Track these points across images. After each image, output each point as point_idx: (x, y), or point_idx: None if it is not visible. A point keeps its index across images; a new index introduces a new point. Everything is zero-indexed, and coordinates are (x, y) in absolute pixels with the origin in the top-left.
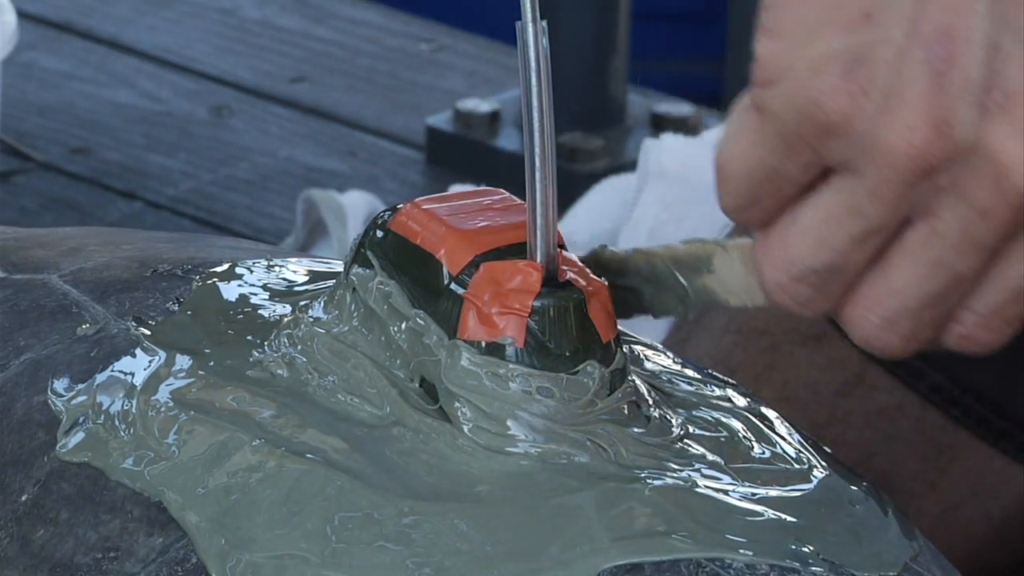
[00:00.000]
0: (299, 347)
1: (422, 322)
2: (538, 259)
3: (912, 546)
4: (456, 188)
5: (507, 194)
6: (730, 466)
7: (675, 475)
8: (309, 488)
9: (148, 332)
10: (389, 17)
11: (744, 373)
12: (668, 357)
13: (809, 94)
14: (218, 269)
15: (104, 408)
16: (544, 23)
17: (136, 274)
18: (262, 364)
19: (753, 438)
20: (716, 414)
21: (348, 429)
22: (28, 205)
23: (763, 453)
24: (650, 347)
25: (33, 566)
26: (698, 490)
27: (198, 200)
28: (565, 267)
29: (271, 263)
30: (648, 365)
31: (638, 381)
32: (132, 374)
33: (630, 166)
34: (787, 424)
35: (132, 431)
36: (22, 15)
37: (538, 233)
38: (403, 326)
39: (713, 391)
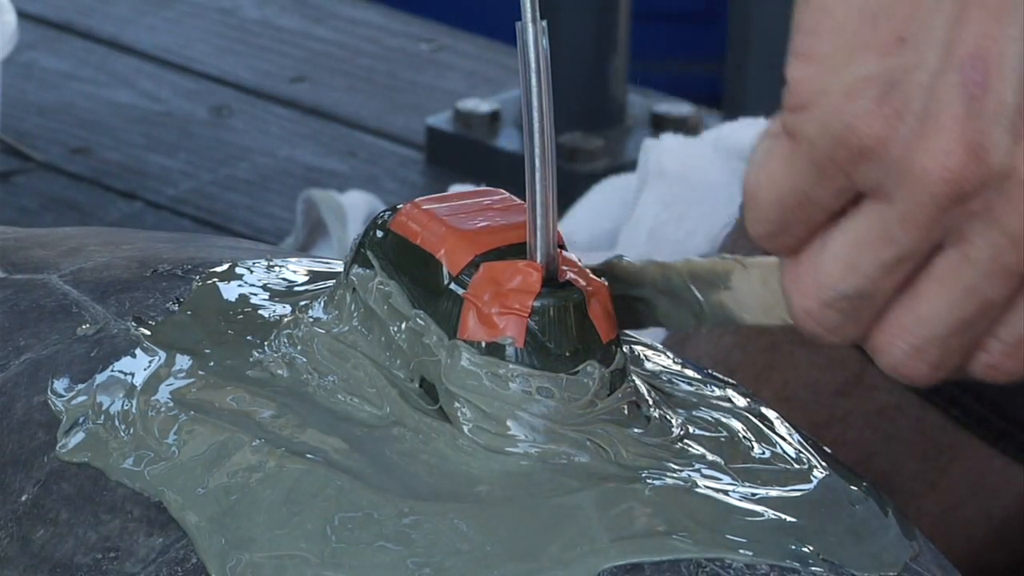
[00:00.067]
0: (299, 347)
1: (422, 322)
2: (538, 259)
3: (912, 546)
4: (456, 188)
5: (507, 194)
6: (730, 466)
7: (675, 475)
8: (309, 488)
9: (148, 332)
10: (389, 17)
11: (744, 373)
12: (668, 357)
13: (844, 118)
14: (218, 269)
15: (104, 408)
16: (544, 23)
17: (136, 274)
18: (262, 364)
19: (753, 438)
20: (716, 414)
21: (348, 429)
22: (28, 205)
23: (763, 453)
24: (650, 347)
25: (33, 566)
26: (698, 490)
27: (198, 200)
28: (565, 267)
29: (271, 263)
30: (648, 365)
31: (638, 381)
32: (132, 374)
33: (630, 166)
34: (787, 424)
35: (132, 431)
36: (22, 15)
37: (538, 233)
38: (403, 326)
39: (713, 391)
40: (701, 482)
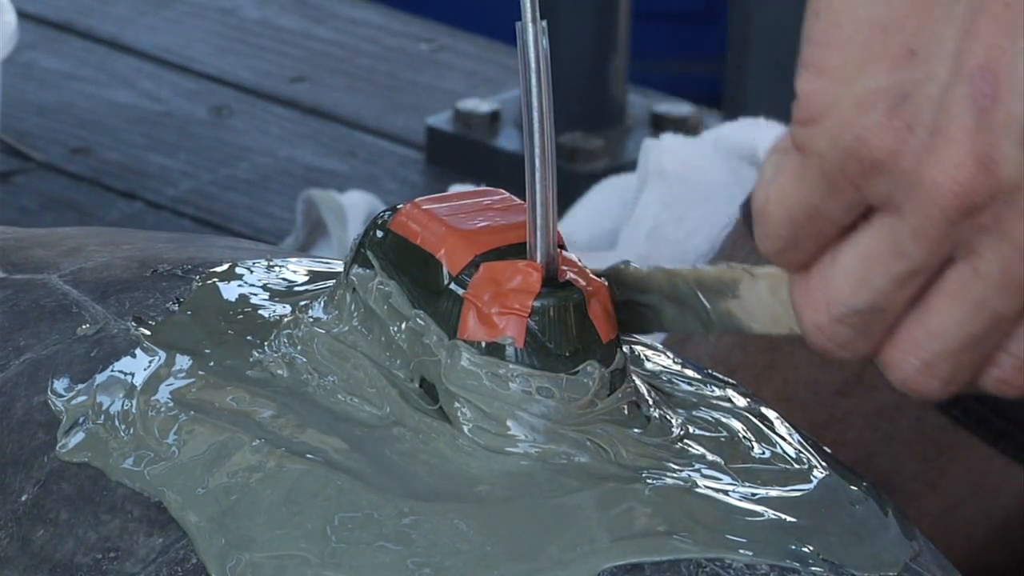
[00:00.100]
0: (299, 347)
1: (422, 322)
2: (538, 259)
3: (912, 546)
4: (456, 188)
5: (507, 194)
6: (730, 466)
7: (675, 475)
8: (309, 488)
9: (148, 332)
10: (389, 17)
11: (744, 373)
12: (668, 357)
13: (854, 131)
14: (218, 269)
15: (104, 408)
16: (544, 23)
17: (136, 274)
18: (262, 364)
19: (753, 438)
20: (716, 414)
21: (348, 429)
22: (28, 205)
23: (763, 453)
24: (650, 347)
25: (33, 566)
26: (698, 490)
27: (198, 200)
28: (565, 267)
29: (271, 263)
30: (648, 365)
31: (638, 381)
32: (132, 374)
33: (630, 166)
34: (787, 424)
35: (132, 431)
36: (22, 15)
37: (538, 233)
38: (403, 326)
39: (713, 391)
40: (701, 482)
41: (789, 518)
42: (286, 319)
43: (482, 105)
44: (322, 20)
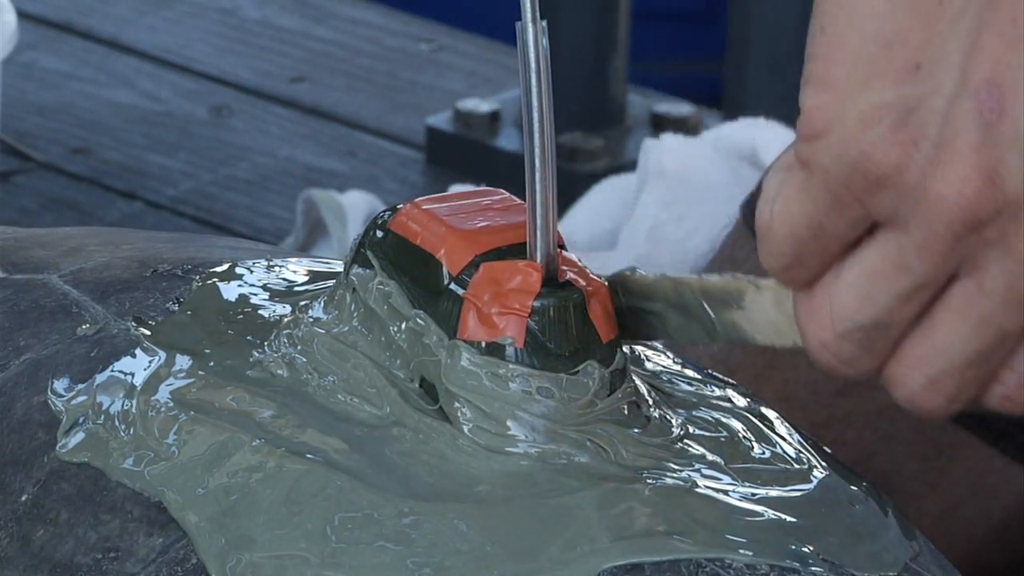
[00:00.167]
0: (299, 347)
1: (422, 322)
2: (538, 259)
3: (912, 546)
4: (456, 188)
5: (507, 194)
6: (730, 466)
7: (675, 475)
8: (309, 488)
9: (148, 332)
10: (389, 17)
11: (744, 373)
12: (668, 357)
13: (860, 146)
14: (218, 269)
15: (104, 408)
16: (544, 23)
17: (136, 274)
18: (262, 364)
19: (753, 438)
20: (716, 414)
21: (348, 429)
22: (28, 205)
23: (763, 453)
24: (650, 347)
25: (33, 566)
26: (698, 490)
27: (198, 200)
28: (565, 267)
29: (271, 263)
30: (648, 365)
31: (638, 381)
32: (132, 374)
33: (630, 166)
34: (787, 424)
35: (132, 431)
36: (22, 15)
37: (538, 233)
38: (403, 326)
39: (713, 391)
40: (701, 482)
41: (789, 518)
42: (286, 319)
43: (482, 105)
44: (322, 20)
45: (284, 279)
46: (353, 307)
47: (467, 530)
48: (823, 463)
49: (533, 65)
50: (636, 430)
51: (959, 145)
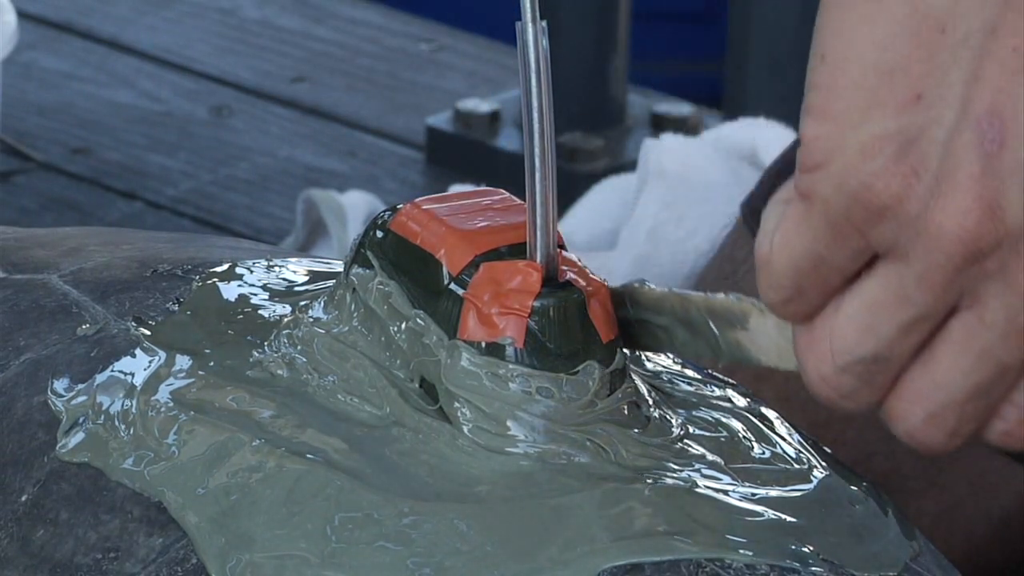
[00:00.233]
0: (299, 347)
1: (422, 322)
2: (538, 259)
3: (912, 546)
4: (456, 188)
5: (507, 194)
6: (730, 466)
7: (675, 475)
8: (309, 488)
9: (148, 332)
10: (389, 17)
11: (744, 373)
12: (668, 357)
13: (860, 177)
14: (218, 269)
15: (104, 408)
16: (544, 23)
17: (136, 274)
18: (262, 364)
19: (753, 438)
20: (716, 414)
21: (348, 429)
22: (28, 205)
23: (763, 453)
24: None
25: (33, 566)
26: (698, 490)
27: (198, 200)
28: (565, 267)
29: (271, 263)
30: (648, 365)
31: (638, 381)
32: (132, 374)
33: (630, 166)
34: (787, 424)
35: (132, 431)
36: (22, 15)
37: (538, 233)
38: (403, 326)
39: (713, 391)
40: (701, 482)
41: (789, 518)
42: (286, 319)
43: (482, 105)
44: (322, 20)
45: (284, 279)
46: (353, 307)
47: (467, 530)
48: (823, 463)
49: (533, 65)
50: (636, 430)
51: (960, 176)
